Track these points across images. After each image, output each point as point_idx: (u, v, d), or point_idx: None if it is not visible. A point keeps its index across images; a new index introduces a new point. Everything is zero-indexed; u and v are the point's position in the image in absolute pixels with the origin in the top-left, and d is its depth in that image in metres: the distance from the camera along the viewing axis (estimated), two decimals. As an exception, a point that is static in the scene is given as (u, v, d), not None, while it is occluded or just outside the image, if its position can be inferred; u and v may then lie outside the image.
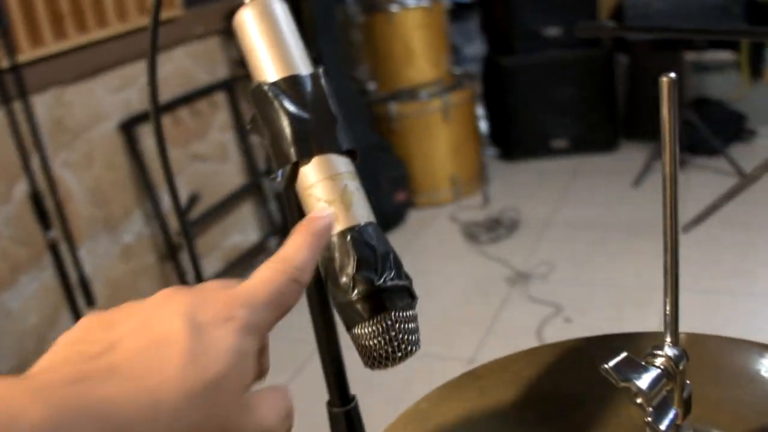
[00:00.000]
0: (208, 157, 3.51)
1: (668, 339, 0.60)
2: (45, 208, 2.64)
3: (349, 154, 0.68)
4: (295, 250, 0.59)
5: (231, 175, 3.67)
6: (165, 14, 3.14)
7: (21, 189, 2.63)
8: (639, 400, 0.58)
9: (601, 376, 0.82)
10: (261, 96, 0.67)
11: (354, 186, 0.66)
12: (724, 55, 4.50)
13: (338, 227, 0.64)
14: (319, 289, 0.81)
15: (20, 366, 2.58)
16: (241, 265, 3.62)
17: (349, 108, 3.78)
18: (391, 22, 4.01)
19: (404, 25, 4.04)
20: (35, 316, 2.67)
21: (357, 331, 0.64)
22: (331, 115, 0.67)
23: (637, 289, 3.16)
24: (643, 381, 0.57)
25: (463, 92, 4.22)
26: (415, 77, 4.15)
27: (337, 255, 0.63)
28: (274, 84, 0.67)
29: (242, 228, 3.73)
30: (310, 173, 0.65)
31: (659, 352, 0.60)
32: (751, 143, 4.53)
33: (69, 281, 2.73)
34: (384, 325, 0.63)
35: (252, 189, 3.79)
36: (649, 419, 0.58)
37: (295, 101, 0.66)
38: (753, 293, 3.03)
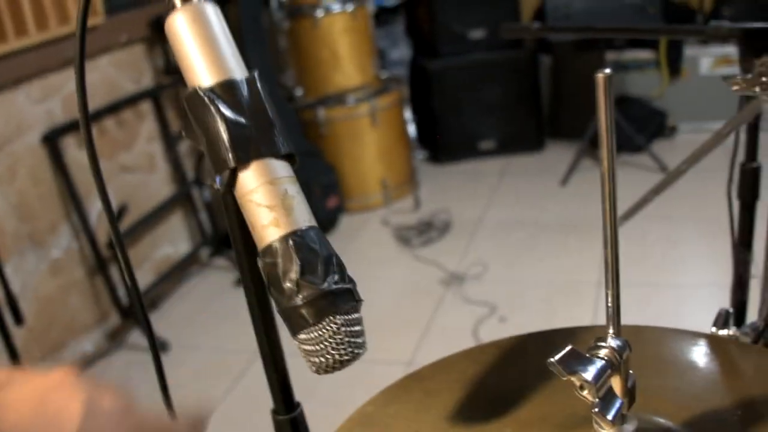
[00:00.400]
0: (135, 168, 3.45)
1: (611, 330, 0.61)
2: (-33, 225, 2.56)
3: (288, 158, 0.67)
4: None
5: (159, 186, 3.61)
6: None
7: (-59, 206, 2.55)
8: (585, 392, 0.59)
9: (544, 370, 0.82)
10: (196, 101, 0.66)
11: (294, 190, 0.65)
12: (644, 54, 4.61)
13: (280, 232, 0.63)
14: (261, 295, 0.80)
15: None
16: (173, 276, 3.57)
17: (278, 114, 3.75)
18: (317, 28, 4.00)
19: (329, 30, 4.03)
20: (-40, 337, 2.58)
21: (303, 336, 0.63)
22: (268, 120, 0.67)
23: (568, 286, 3.21)
24: (589, 373, 0.58)
25: (390, 96, 4.23)
26: (342, 82, 4.14)
27: (279, 260, 0.63)
28: (210, 89, 0.66)
29: (173, 239, 3.68)
30: (250, 178, 0.65)
31: (603, 344, 0.61)
32: (673, 139, 4.65)
33: (-5, 300, 2.65)
34: (330, 329, 0.62)
35: (181, 199, 3.73)
36: (596, 409, 0.59)
37: (231, 106, 0.65)
38: (680, 285, 3.11)
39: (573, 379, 0.59)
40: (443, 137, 4.69)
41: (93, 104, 3.15)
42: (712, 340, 0.92)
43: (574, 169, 4.25)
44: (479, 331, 2.95)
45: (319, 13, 3.97)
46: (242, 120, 0.65)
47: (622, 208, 3.39)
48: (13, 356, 2.32)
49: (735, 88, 1.08)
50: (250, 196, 0.64)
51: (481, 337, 2.90)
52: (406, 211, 4.17)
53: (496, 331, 2.92)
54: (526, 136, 4.71)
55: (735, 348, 0.93)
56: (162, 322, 3.33)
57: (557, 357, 0.58)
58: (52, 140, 2.95)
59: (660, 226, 3.50)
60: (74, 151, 3.05)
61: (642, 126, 4.38)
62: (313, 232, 0.64)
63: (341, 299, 0.63)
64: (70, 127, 3.01)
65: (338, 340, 0.63)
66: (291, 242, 0.63)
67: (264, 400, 2.89)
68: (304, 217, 0.65)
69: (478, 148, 4.72)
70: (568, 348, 0.59)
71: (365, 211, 4.23)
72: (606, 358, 0.60)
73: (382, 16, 4.58)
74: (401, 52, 4.83)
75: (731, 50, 4.39)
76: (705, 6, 4.54)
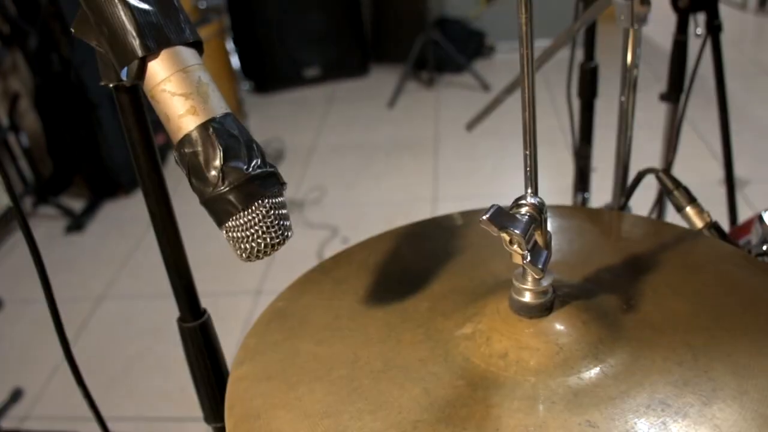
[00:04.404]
0: (-58, 117, 3.20)
1: (529, 190, 0.64)
2: None
3: (195, 45, 0.66)
4: None
5: (-29, 135, 3.37)
6: None
7: None
8: (515, 246, 0.62)
9: (442, 251, 0.86)
10: (94, -8, 0.63)
11: (207, 77, 0.64)
12: (460, -24, 4.72)
13: (198, 120, 0.62)
14: (162, 199, 0.79)
15: None
16: (-3, 229, 3.38)
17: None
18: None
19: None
20: None
21: (231, 223, 0.63)
22: (173, 6, 0.64)
23: (406, 203, 3.29)
24: (518, 227, 0.61)
25: (210, 27, 4.11)
26: (159, 15, 3.97)
27: (200, 149, 0.62)
28: None
29: (-8, 190, 3.46)
30: (160, 68, 0.63)
31: (524, 202, 0.64)
32: (491, 58, 4.82)
33: None
34: (260, 213, 0.62)
35: (-3, 147, 3.51)
36: (527, 260, 0.63)
37: None
38: (509, 195, 3.26)
39: (504, 234, 0.62)
40: (268, 66, 4.63)
41: None
42: (590, 213, 0.99)
43: (400, 91, 4.32)
44: (324, 253, 2.98)
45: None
46: (147, 7, 0.62)
47: (453, 122, 3.52)
48: None
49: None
50: (162, 86, 0.62)
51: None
52: (236, 144, 4.10)
53: (341, 252, 2.96)
54: (350, 61, 4.74)
55: (611, 217, 1.00)
56: (-9, 277, 3.17)
57: (487, 215, 0.60)
58: None
59: (488, 140, 3.64)
60: None
61: (462, 47, 4.50)
62: (231, 119, 0.64)
63: (268, 182, 0.63)
64: None
65: (268, 224, 0.63)
66: (211, 129, 0.62)
67: (112, 344, 2.81)
68: (220, 104, 0.64)
69: (304, 75, 4.70)
70: (494, 207, 0.62)
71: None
72: (528, 214, 0.63)
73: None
74: (218, -19, 4.69)
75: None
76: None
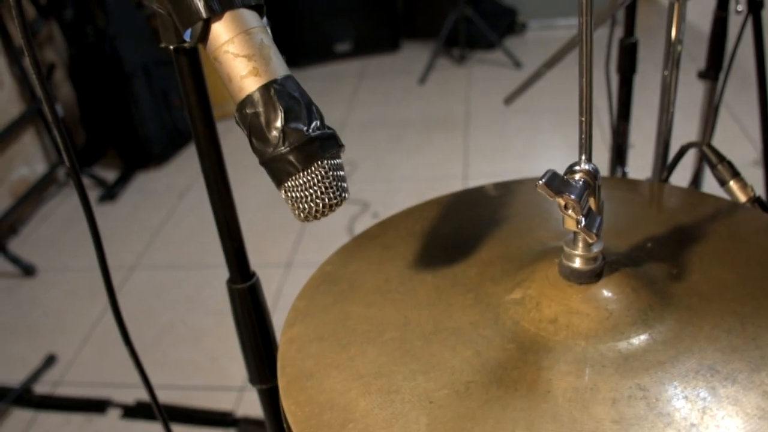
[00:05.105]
0: (-21, 86, 3.24)
1: (584, 156, 0.65)
2: None
3: (256, 9, 0.67)
4: None
5: (7, 104, 3.41)
6: None
7: None
8: (570, 211, 0.63)
9: (490, 219, 0.87)
10: (159, -46, 0.64)
11: (269, 40, 0.65)
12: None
13: (260, 81, 0.63)
14: (216, 161, 0.80)
15: None
16: (31, 199, 3.41)
17: (129, 23, 3.61)
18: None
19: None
20: None
21: (290, 183, 0.64)
22: (235, -32, 0.65)
23: (436, 179, 3.29)
24: (573, 192, 0.62)
25: (243, 1, 4.12)
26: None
27: (262, 109, 0.63)
28: None
29: (27, 159, 3.50)
30: (223, 30, 0.64)
31: (578, 168, 0.65)
32: (523, 36, 4.79)
33: None
34: (319, 173, 0.63)
35: (33, 117, 3.54)
36: (582, 225, 0.64)
37: None
38: (541, 173, 3.25)
39: (560, 199, 0.62)
40: (300, 40, 4.63)
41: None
42: (634, 184, 0.99)
43: (431, 67, 4.32)
44: (354, 228, 2.99)
45: None
46: (209, -31, 0.63)
47: (484, 100, 3.50)
48: None
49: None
50: (226, 47, 0.63)
51: (357, 233, 2.96)
52: (268, 118, 4.12)
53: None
54: (381, 36, 4.73)
55: (654, 189, 1.00)
56: (25, 246, 3.20)
57: (544, 180, 0.61)
58: None
59: (519, 118, 3.63)
60: None
61: (494, 24, 4.48)
62: (291, 81, 0.65)
63: (327, 144, 0.64)
64: None
65: (327, 185, 0.64)
66: (273, 90, 0.63)
67: (143, 314, 2.83)
68: (282, 66, 0.65)
69: (335, 50, 4.70)
70: (549, 171, 0.62)
71: (226, 118, 4.14)
72: (583, 180, 0.64)
73: None
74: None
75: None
76: None
